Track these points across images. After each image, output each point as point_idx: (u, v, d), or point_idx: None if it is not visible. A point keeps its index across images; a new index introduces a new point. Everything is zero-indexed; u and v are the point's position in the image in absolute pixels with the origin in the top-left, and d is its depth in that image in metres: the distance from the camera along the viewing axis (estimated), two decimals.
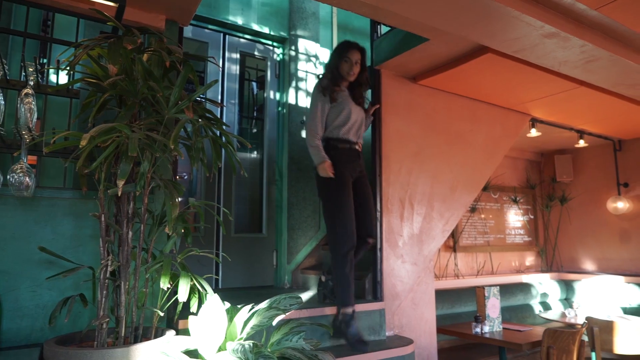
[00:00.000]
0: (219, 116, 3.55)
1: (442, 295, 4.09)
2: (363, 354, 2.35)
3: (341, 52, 2.73)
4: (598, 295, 4.81)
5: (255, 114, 4.59)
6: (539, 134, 4.32)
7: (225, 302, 1.73)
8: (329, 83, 2.72)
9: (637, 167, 4.86)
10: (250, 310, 1.66)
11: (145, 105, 1.86)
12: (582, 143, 4.70)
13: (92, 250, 2.08)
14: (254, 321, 1.59)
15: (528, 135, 4.32)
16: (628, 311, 4.49)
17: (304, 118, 3.88)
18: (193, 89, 1.86)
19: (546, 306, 4.95)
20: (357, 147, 2.74)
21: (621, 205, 4.84)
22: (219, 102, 3.74)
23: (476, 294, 3.46)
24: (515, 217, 5.38)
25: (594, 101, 3.58)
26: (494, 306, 3.40)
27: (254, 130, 4.47)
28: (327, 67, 2.81)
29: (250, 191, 3.97)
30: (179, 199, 2.04)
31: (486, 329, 3.28)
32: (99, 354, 1.51)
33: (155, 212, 1.95)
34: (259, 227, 3.87)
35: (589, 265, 5.19)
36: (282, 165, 3.77)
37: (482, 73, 3.02)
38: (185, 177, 3.87)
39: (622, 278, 4.68)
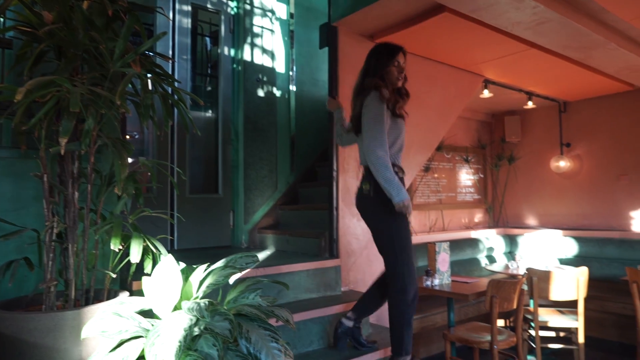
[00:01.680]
0: (170, 72, 3.40)
1: None
2: None
3: (391, 55, 2.38)
4: (538, 248, 5.15)
5: (209, 71, 4.42)
6: (491, 95, 4.43)
7: (180, 263, 1.72)
8: (393, 94, 2.33)
9: (580, 128, 5.12)
10: (206, 269, 1.66)
11: (88, 59, 1.74)
12: (530, 104, 4.88)
13: (35, 212, 1.98)
14: (209, 280, 1.59)
15: (481, 96, 4.42)
16: (564, 261, 4.85)
17: (260, 75, 3.78)
18: (141, 43, 1.75)
19: (492, 259, 5.26)
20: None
21: (563, 164, 5.12)
22: (169, 57, 3.56)
23: (428, 249, 3.61)
24: (466, 176, 5.59)
25: (543, 63, 3.69)
26: (444, 261, 3.57)
27: (209, 88, 4.32)
28: (378, 71, 2.38)
29: (206, 151, 3.89)
30: (129, 159, 1.97)
31: (436, 282, 3.46)
32: (48, 317, 1.47)
33: (103, 172, 1.87)
34: (214, 187, 3.81)
35: (531, 220, 5.52)
36: (237, 124, 3.69)
37: (438, 33, 3.03)
38: (136, 137, 3.72)
39: (560, 232, 5.02)
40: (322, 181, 3.71)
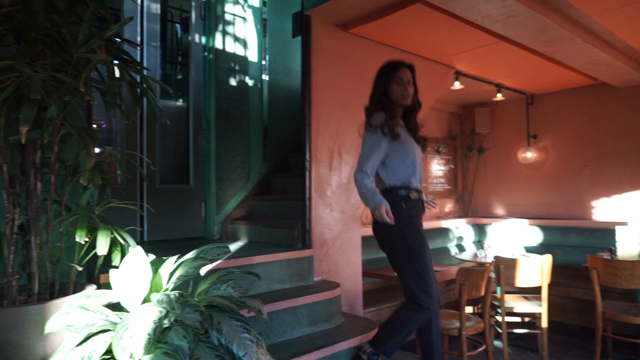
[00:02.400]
0: (138, 59, 3.30)
1: (368, 242, 4.28)
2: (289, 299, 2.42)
3: (388, 73, 2.34)
4: (506, 237, 5.31)
5: (179, 59, 4.33)
6: (462, 86, 4.50)
7: (150, 254, 1.68)
8: (385, 118, 2.26)
9: (545, 120, 5.27)
10: (176, 261, 1.63)
11: (50, 43, 1.67)
12: (499, 96, 4.98)
13: None
14: (180, 272, 1.57)
15: (452, 88, 4.49)
16: (530, 250, 5.01)
17: (232, 64, 3.72)
18: (107, 28, 1.69)
19: (461, 248, 5.38)
20: (422, 195, 2.38)
21: (529, 155, 5.27)
22: (138, 43, 3.46)
23: None
24: (437, 167, 5.68)
25: (512, 56, 3.77)
26: None
27: (179, 77, 4.23)
28: (373, 96, 2.37)
29: (176, 141, 3.81)
30: (96, 149, 1.91)
31: None
32: (10, 312, 1.42)
33: (68, 162, 1.81)
34: (185, 178, 3.75)
35: (499, 210, 5.68)
36: (209, 114, 3.63)
37: (410, 23, 3.04)
38: (104, 126, 3.61)
39: (526, 221, 5.18)
40: (295, 171, 3.70)
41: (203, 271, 1.83)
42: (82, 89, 1.44)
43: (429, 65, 3.80)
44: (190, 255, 1.67)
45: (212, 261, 1.65)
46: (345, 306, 3.09)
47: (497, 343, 4.00)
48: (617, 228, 3.76)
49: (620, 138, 4.69)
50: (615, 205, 4.71)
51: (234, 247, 3.06)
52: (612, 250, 3.74)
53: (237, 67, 3.75)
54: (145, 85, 1.83)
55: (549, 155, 5.26)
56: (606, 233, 4.50)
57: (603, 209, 4.80)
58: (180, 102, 3.86)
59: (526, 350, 3.96)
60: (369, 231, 4.53)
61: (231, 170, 3.68)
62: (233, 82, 3.73)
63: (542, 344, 3.65)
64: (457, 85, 4.42)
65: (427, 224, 5.18)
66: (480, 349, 3.24)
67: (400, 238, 2.26)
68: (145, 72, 1.89)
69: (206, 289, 1.60)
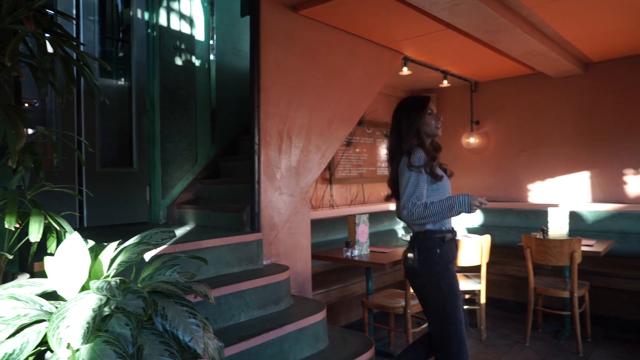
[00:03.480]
0: (74, 34, 3.10)
1: (317, 225, 4.33)
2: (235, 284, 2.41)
3: (423, 105, 2.26)
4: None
5: (120, 35, 4.10)
6: (410, 72, 4.59)
7: (89, 240, 1.60)
8: (427, 158, 2.16)
9: (487, 107, 5.50)
10: (118, 247, 1.57)
11: None
12: (445, 83, 5.13)
13: None
14: (121, 258, 1.50)
15: (400, 73, 4.57)
16: (471, 230, 5.26)
17: (177, 43, 3.58)
18: None
19: (408, 230, 5.56)
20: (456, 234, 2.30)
21: (472, 140, 5.49)
22: (72, 16, 3.23)
23: (348, 221, 3.73)
24: (385, 151, 5.79)
25: (457, 44, 3.88)
26: (363, 232, 3.71)
27: (120, 54, 4.01)
28: (409, 130, 2.23)
29: (118, 122, 3.63)
30: (29, 129, 1.78)
31: (356, 252, 3.59)
32: None
33: None
34: (129, 160, 3.60)
35: None
36: (153, 94, 3.48)
37: (360, 6, 3.04)
38: (36, 104, 3.37)
39: None
40: (244, 155, 3.65)
41: (147, 257, 1.78)
42: (7, 63, 1.33)
43: (379, 50, 3.84)
44: (133, 240, 1.61)
45: (156, 246, 1.60)
46: (295, 288, 3.11)
47: None
48: (549, 209, 4.02)
49: (554, 125, 4.99)
50: (549, 188, 5.03)
51: (180, 231, 2.98)
52: (544, 230, 4.00)
53: (183, 46, 3.61)
54: (81, 62, 1.72)
55: (490, 140, 5.50)
56: (539, 214, 4.81)
57: (538, 191, 5.11)
58: (122, 82, 3.67)
59: (466, 325, 4.17)
60: (318, 214, 4.59)
61: (177, 153, 3.56)
62: (179, 61, 3.59)
63: (480, 319, 3.87)
64: (405, 70, 4.50)
65: (375, 207, 5.31)
66: (424, 326, 3.38)
67: (435, 286, 2.19)
68: (81, 48, 1.77)
69: (150, 275, 1.56)
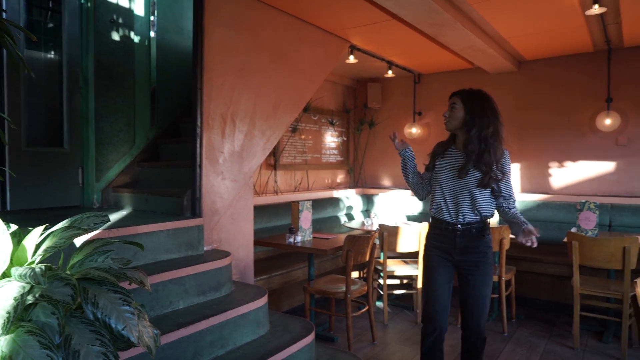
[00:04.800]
0: None
1: (261, 210, 4.31)
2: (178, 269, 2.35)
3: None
4: (391, 206, 5.70)
5: (50, 4, 3.79)
6: (356, 61, 4.63)
7: (12, 225, 1.49)
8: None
9: (429, 98, 5.68)
10: (44, 232, 1.47)
11: None
12: (390, 73, 5.24)
13: None
14: (48, 243, 1.41)
15: (347, 61, 4.60)
16: (411, 218, 5.45)
17: (114, 16, 3.37)
18: None
19: (350, 217, 5.67)
20: (458, 226, 2.32)
21: (414, 130, 5.66)
22: None
23: (292, 208, 3.73)
24: (331, 139, 5.84)
25: (402, 35, 3.96)
26: (306, 218, 3.73)
27: (50, 25, 3.72)
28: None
29: (48, 98, 3.37)
30: None
31: (298, 239, 3.61)
32: None
33: None
34: (59, 140, 3.37)
35: (386, 181, 6.06)
36: (87, 70, 3.27)
37: None
38: None
39: (408, 192, 5.61)
40: (186, 137, 3.53)
41: (78, 242, 1.69)
42: None
43: (326, 36, 3.84)
44: (61, 224, 1.51)
45: (87, 231, 1.52)
46: (237, 275, 3.08)
47: (378, 304, 4.34)
48: None
49: None
50: None
51: (116, 216, 2.85)
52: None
53: (120, 20, 3.41)
54: (2, 31, 1.57)
55: (431, 131, 5.70)
56: None
57: None
58: (52, 55, 3.41)
59: (403, 309, 4.35)
60: (261, 200, 4.56)
61: (114, 134, 3.38)
62: (116, 36, 3.39)
63: (416, 303, 4.04)
64: (352, 59, 4.53)
65: (319, 194, 5.35)
66: (364, 310, 3.49)
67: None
68: (3, 15, 1.62)
69: (81, 261, 1.47)
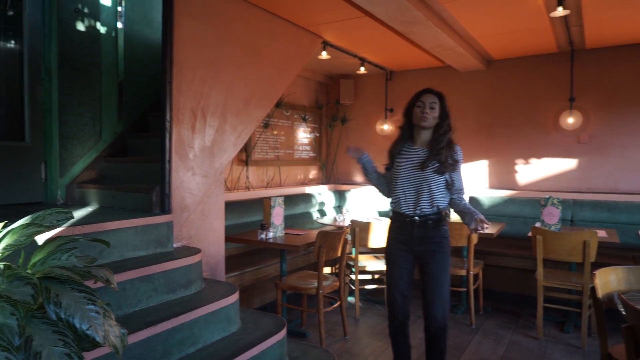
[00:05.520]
0: None
1: (232, 207, 4.26)
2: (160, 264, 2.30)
3: (413, 98, 2.60)
4: (363, 202, 5.74)
5: None
6: (328, 57, 4.63)
7: None
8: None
9: (401, 95, 5.74)
10: (3, 229, 1.41)
11: None
12: (362, 70, 5.26)
13: None
14: (7, 241, 1.35)
15: (319, 57, 4.59)
16: (382, 214, 5.51)
17: (79, 6, 3.26)
18: None
19: (323, 213, 5.68)
20: (416, 218, 2.47)
21: (386, 127, 5.72)
22: None
23: (263, 204, 3.71)
24: (303, 135, 5.83)
25: (375, 32, 3.98)
26: (278, 214, 3.72)
27: (10, 13, 3.55)
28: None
29: (7, 90, 3.23)
30: None
31: (270, 235, 3.59)
32: None
33: None
34: (20, 134, 3.23)
35: (358, 177, 6.10)
36: (50, 61, 3.14)
37: None
38: None
39: None
40: (155, 132, 3.45)
41: (41, 240, 1.62)
42: None
43: (299, 32, 3.82)
44: (22, 221, 1.46)
45: (50, 228, 1.46)
46: (207, 272, 3.04)
47: (350, 299, 4.37)
48: None
49: (460, 116, 5.32)
50: None
51: (81, 212, 2.76)
52: (447, 214, 4.30)
53: (85, 10, 3.29)
54: None
55: None
56: None
57: None
58: (11, 44, 3.26)
59: (374, 303, 4.40)
60: (233, 196, 4.52)
61: (78, 128, 3.27)
62: (81, 26, 3.27)
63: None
64: (324, 55, 4.53)
65: (292, 190, 5.34)
66: (335, 305, 3.51)
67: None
68: None
69: (43, 260, 1.42)
